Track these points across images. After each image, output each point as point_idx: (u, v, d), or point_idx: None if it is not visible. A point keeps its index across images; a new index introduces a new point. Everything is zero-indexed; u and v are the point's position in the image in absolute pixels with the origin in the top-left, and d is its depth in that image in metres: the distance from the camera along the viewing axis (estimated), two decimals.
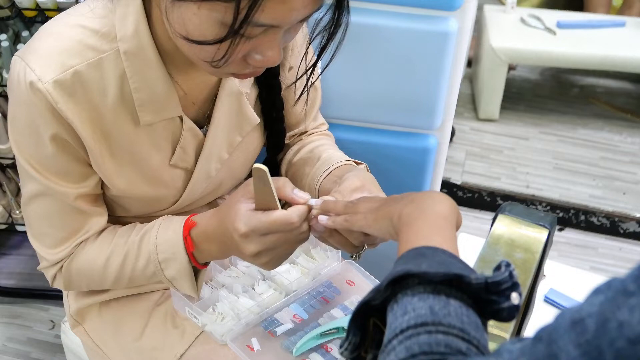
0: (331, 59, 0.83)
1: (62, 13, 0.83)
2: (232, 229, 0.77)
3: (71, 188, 0.85)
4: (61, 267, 0.92)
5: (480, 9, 2.55)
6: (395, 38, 1.17)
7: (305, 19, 0.72)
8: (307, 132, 1.09)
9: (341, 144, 1.31)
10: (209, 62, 0.72)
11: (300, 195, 0.78)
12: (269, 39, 0.71)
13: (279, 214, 0.75)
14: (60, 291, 1.09)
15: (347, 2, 0.75)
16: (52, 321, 1.76)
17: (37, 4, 1.46)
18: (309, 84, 0.90)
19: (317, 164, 1.00)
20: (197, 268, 0.87)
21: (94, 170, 0.86)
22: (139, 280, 0.90)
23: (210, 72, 0.77)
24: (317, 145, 1.05)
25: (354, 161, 1.00)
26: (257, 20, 0.66)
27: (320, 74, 0.93)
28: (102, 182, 0.89)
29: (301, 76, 0.89)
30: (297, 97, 0.96)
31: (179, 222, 0.86)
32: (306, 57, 0.90)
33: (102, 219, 0.91)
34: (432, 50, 1.18)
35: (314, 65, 0.87)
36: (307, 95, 0.97)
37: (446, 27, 1.15)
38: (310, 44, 0.84)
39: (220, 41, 0.68)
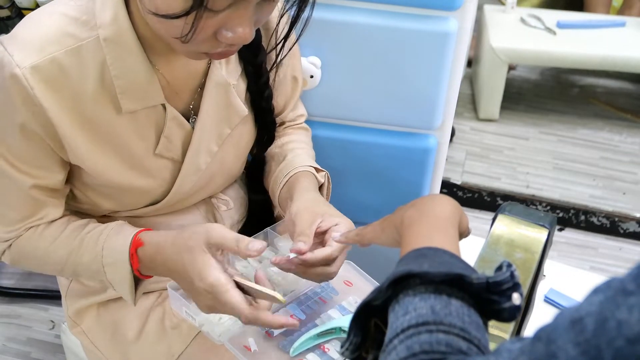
0: (300, 35, 0.84)
1: (48, 3, 0.83)
2: (197, 280, 0.79)
3: (29, 177, 0.85)
4: (10, 245, 0.92)
5: (480, 9, 2.55)
6: (395, 38, 1.17)
7: None
8: (284, 123, 1.09)
9: (341, 144, 1.31)
10: (179, 38, 0.72)
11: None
12: (238, 15, 0.71)
13: (244, 308, 0.78)
14: (60, 291, 1.09)
15: None
16: (52, 321, 1.76)
17: (37, 4, 1.46)
18: (278, 59, 0.92)
19: (281, 164, 1.02)
20: (139, 278, 0.88)
21: (58, 165, 0.86)
22: (84, 274, 0.90)
23: (184, 52, 0.77)
24: (287, 140, 1.07)
25: (315, 168, 1.02)
26: None
27: (287, 52, 0.94)
28: (81, 177, 0.89)
29: (270, 51, 0.92)
30: (269, 70, 0.96)
31: (129, 232, 0.86)
32: (276, 32, 0.91)
33: (57, 210, 0.91)
34: (432, 50, 1.18)
35: (285, 38, 0.87)
36: (276, 72, 0.98)
37: (446, 27, 1.15)
38: (280, 19, 0.85)
39: (186, 13, 0.68)
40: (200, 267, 0.78)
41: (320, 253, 0.84)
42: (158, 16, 0.71)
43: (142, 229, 0.87)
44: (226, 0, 0.69)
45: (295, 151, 1.04)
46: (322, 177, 1.03)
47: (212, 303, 0.79)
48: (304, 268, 0.86)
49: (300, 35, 0.85)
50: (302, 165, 1.00)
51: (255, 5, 0.71)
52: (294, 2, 0.78)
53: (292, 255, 0.84)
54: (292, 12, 0.80)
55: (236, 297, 0.77)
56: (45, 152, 0.84)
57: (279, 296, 0.79)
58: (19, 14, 1.51)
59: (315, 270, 0.86)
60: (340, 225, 0.87)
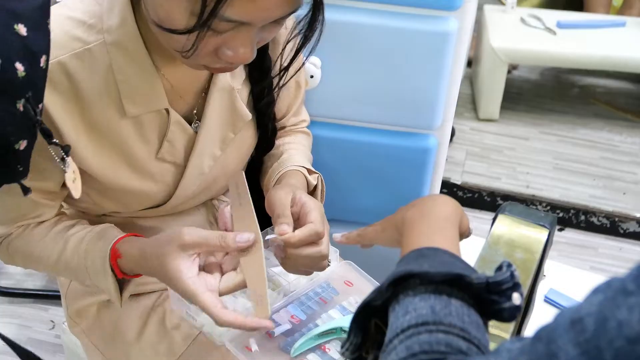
0: (307, 57, 0.84)
1: (55, 5, 0.83)
2: (173, 286, 0.78)
3: (27, 179, 0.84)
4: (1, 242, 0.92)
5: (480, 9, 2.55)
6: (395, 38, 1.17)
7: (280, 20, 0.72)
8: (285, 127, 1.09)
9: (341, 144, 1.31)
10: (179, 51, 0.72)
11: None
12: (241, 36, 0.71)
13: (216, 312, 0.75)
14: (60, 291, 1.09)
15: (323, 5, 0.75)
16: (52, 321, 1.76)
17: None
18: (280, 83, 0.92)
19: (275, 163, 1.02)
20: (126, 278, 0.88)
21: (58, 169, 0.85)
22: (70, 275, 0.90)
23: (184, 62, 0.77)
24: (285, 142, 1.07)
25: (307, 169, 1.01)
26: (225, 15, 0.66)
27: (296, 73, 0.94)
28: (83, 178, 0.88)
29: (277, 74, 0.92)
30: (274, 92, 0.97)
31: (109, 240, 0.85)
32: (282, 56, 0.91)
33: (51, 211, 0.91)
34: (432, 50, 1.18)
35: (290, 63, 0.87)
36: (278, 93, 0.98)
37: (446, 27, 1.15)
38: (287, 43, 0.84)
39: (188, 32, 0.68)
40: (172, 276, 0.77)
41: (302, 231, 0.83)
42: (160, 28, 0.71)
43: (120, 237, 0.86)
44: (229, 24, 0.69)
45: (289, 151, 1.04)
46: (314, 179, 1.02)
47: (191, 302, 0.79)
48: (294, 254, 0.84)
49: (306, 39, 0.84)
50: (293, 165, 1.00)
51: (259, 27, 0.71)
52: (301, 30, 0.78)
53: (274, 236, 0.82)
54: (299, 38, 0.80)
55: (207, 301, 0.76)
56: (46, 156, 0.83)
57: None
58: None
59: (307, 252, 0.84)
60: (313, 213, 0.85)
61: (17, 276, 1.87)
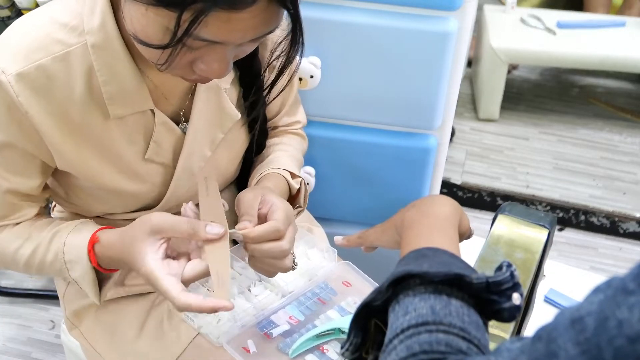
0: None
1: (41, 6, 0.83)
2: (137, 268, 0.78)
3: (5, 181, 0.84)
4: None
5: (480, 9, 2.55)
6: (395, 38, 1.17)
7: (257, 39, 0.73)
8: (277, 127, 1.09)
9: (341, 144, 1.31)
10: (154, 63, 0.73)
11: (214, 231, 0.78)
12: (216, 52, 0.72)
13: (175, 296, 0.75)
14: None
15: (301, 27, 0.76)
16: (52, 321, 1.76)
17: (37, 4, 1.46)
18: (270, 96, 0.93)
19: (259, 165, 1.02)
20: (103, 272, 0.88)
21: (38, 172, 0.86)
22: (48, 272, 0.90)
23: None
24: (274, 142, 1.07)
25: (290, 172, 1.01)
26: (199, 34, 0.67)
27: (287, 84, 0.94)
28: (70, 181, 0.89)
29: (267, 87, 0.92)
30: (268, 98, 0.97)
31: (89, 230, 0.86)
32: (265, 75, 0.92)
33: (31, 211, 0.90)
34: (432, 50, 1.18)
35: (275, 80, 0.88)
36: (265, 103, 0.98)
37: (446, 27, 1.15)
38: (271, 61, 0.84)
39: (162, 47, 0.68)
40: (137, 257, 0.77)
41: (262, 227, 0.82)
42: (136, 40, 0.72)
43: (103, 227, 0.87)
44: (202, 43, 0.69)
45: (276, 153, 1.04)
46: (296, 182, 1.01)
47: (153, 289, 0.78)
48: (255, 249, 0.83)
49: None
50: (277, 167, 1.00)
51: (234, 46, 0.72)
52: (282, 52, 0.79)
53: (234, 231, 0.82)
54: (281, 60, 0.81)
55: (167, 284, 0.75)
56: (25, 160, 0.83)
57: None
58: (18, 14, 1.51)
59: (267, 246, 0.83)
60: (278, 212, 0.84)
61: (17, 276, 1.87)
